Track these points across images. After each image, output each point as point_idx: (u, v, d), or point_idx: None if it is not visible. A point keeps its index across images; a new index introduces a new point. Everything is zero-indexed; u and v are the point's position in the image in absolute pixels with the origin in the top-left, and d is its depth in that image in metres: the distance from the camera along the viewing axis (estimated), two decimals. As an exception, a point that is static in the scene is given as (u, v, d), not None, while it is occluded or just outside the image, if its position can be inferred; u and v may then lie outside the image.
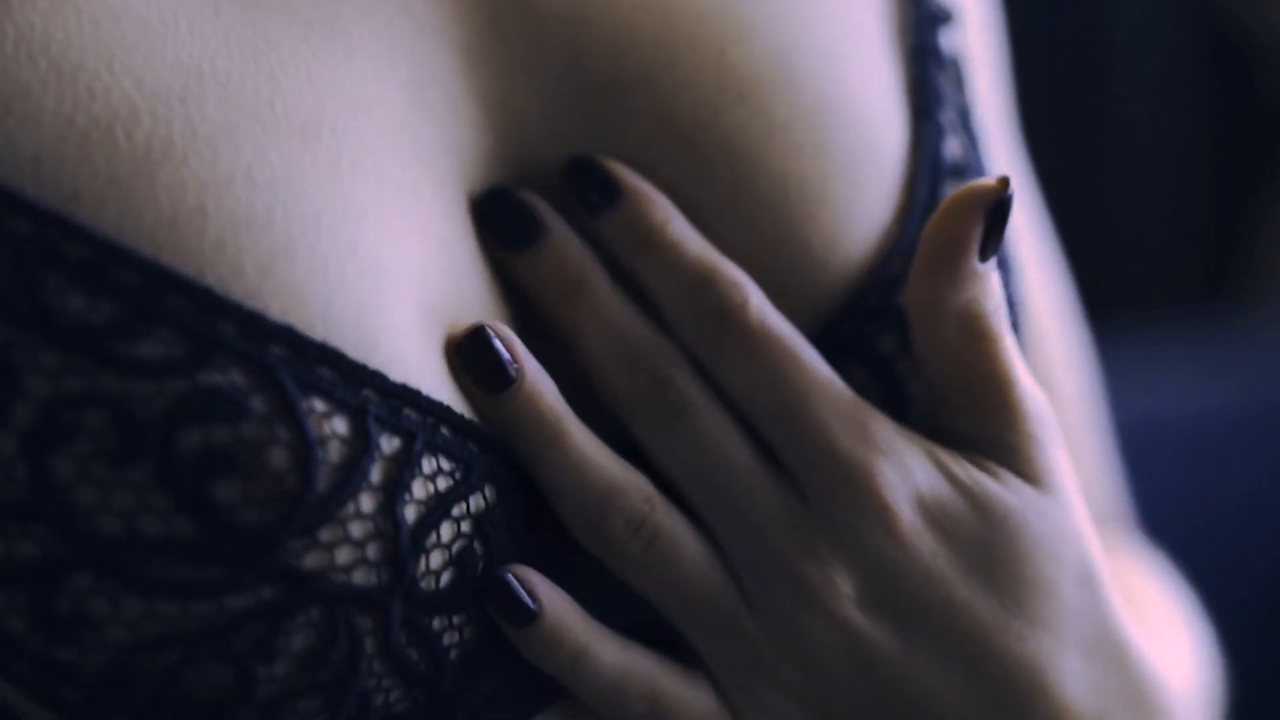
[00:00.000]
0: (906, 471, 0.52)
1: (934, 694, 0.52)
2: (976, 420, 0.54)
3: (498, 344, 0.51)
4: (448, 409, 0.50)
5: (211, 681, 0.46)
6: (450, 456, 0.49)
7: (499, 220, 0.53)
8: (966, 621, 0.52)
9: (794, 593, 0.52)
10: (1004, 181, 0.53)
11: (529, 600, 0.52)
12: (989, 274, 0.54)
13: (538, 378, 0.52)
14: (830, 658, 0.52)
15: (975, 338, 0.54)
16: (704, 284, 0.53)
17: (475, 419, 0.51)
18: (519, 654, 0.52)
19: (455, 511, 0.49)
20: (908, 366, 0.55)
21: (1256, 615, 1.83)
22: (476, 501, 0.50)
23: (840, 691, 0.52)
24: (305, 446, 0.46)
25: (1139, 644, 0.55)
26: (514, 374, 0.51)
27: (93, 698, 0.47)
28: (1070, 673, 0.53)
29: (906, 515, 0.52)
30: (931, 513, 0.53)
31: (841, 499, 0.52)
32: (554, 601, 0.52)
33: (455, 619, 0.50)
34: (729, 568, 0.53)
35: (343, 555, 0.47)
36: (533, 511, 0.53)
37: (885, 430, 0.53)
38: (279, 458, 0.46)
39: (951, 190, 0.55)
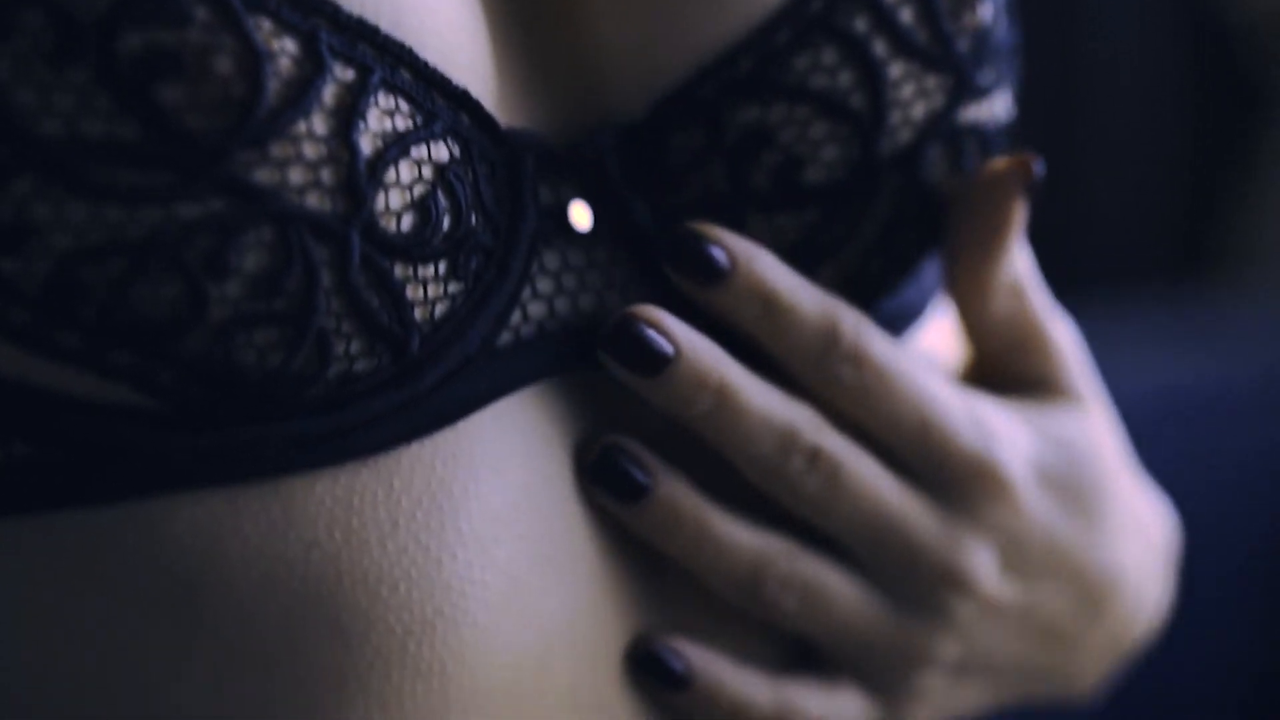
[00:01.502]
0: (1015, 445, 0.57)
1: (1053, 617, 0.59)
2: (1020, 363, 0.60)
3: (629, 461, 0.54)
4: (410, 52, 0.49)
5: (162, 296, 0.45)
6: (410, 100, 0.49)
7: (624, 355, 0.53)
8: (1070, 554, 0.59)
9: (946, 587, 0.56)
10: (1036, 158, 0.56)
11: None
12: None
13: (673, 492, 0.54)
14: (978, 629, 0.58)
15: (1019, 298, 0.59)
16: (833, 336, 0.54)
17: (441, 71, 0.50)
18: (486, 327, 0.51)
19: (415, 154, 0.48)
20: (885, 49, 0.55)
21: (1234, 589, 1.83)
22: (439, 151, 0.49)
23: (983, 650, 0.58)
24: (253, 55, 0.45)
25: (1152, 505, 0.64)
26: (648, 483, 0.53)
27: (40, 315, 0.46)
28: (1129, 555, 0.61)
29: (1027, 487, 0.57)
30: (1038, 473, 0.58)
31: (976, 492, 0.57)
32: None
33: (420, 272, 0.49)
34: (875, 585, 0.57)
35: (296, 175, 0.46)
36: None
37: (992, 413, 0.57)
38: (225, 64, 0.45)
39: None
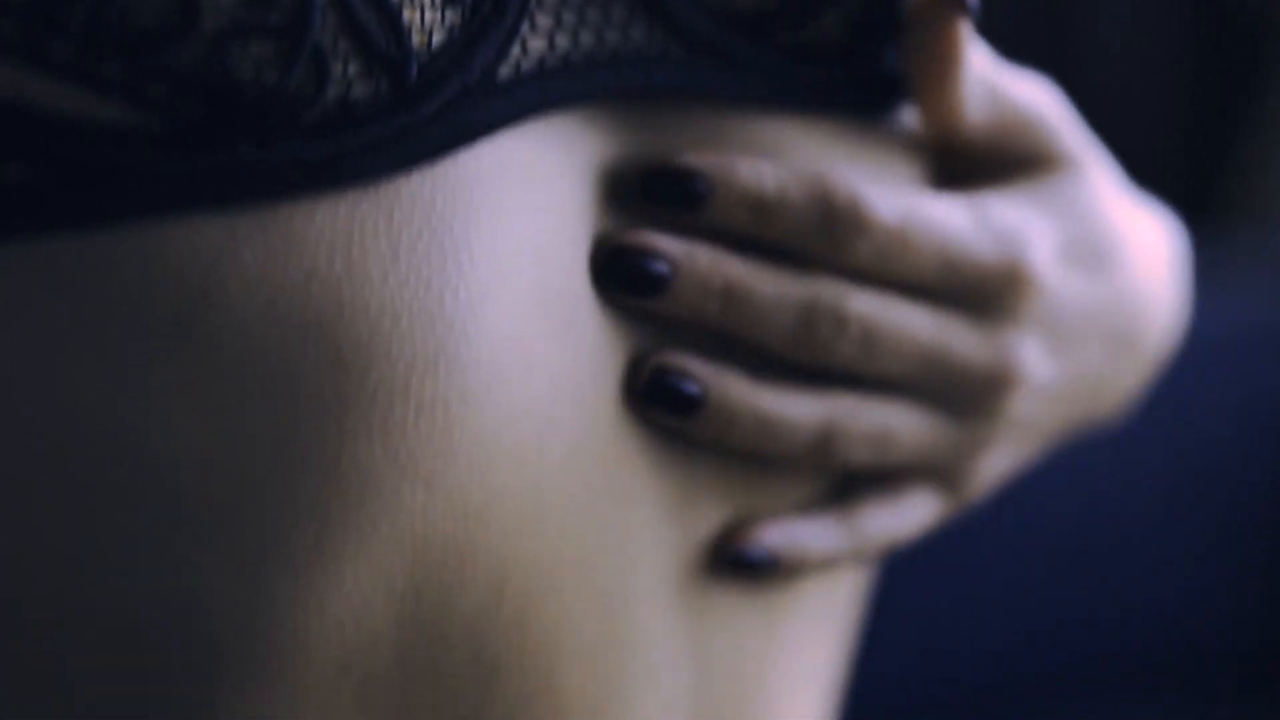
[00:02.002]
0: (1032, 236, 0.59)
1: (1097, 371, 0.62)
2: (1009, 147, 0.61)
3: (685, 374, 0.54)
4: None
5: (152, 3, 0.45)
6: None
7: (623, 284, 0.53)
8: (1102, 314, 0.61)
9: (1001, 390, 0.58)
10: None
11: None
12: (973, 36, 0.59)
13: (725, 393, 0.55)
14: (1033, 411, 0.60)
15: (990, 93, 0.60)
16: (831, 214, 0.54)
17: None
18: (486, 59, 0.50)
19: None
20: None
21: (1241, 531, 1.84)
22: None
23: (1036, 424, 0.61)
24: None
25: (1154, 223, 0.66)
26: (700, 394, 0.54)
27: (28, 24, 0.45)
28: (1148, 285, 0.64)
29: (1053, 272, 0.59)
30: (1059, 252, 0.60)
31: (1009, 296, 0.58)
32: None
33: None
34: (934, 409, 0.58)
35: None
36: None
37: (1002, 212, 0.58)
38: None
39: None
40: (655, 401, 0.54)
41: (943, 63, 0.57)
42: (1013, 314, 0.58)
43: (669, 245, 0.53)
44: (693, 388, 0.54)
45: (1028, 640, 1.77)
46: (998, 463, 0.61)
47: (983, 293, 0.57)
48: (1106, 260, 0.61)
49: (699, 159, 0.54)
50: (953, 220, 0.57)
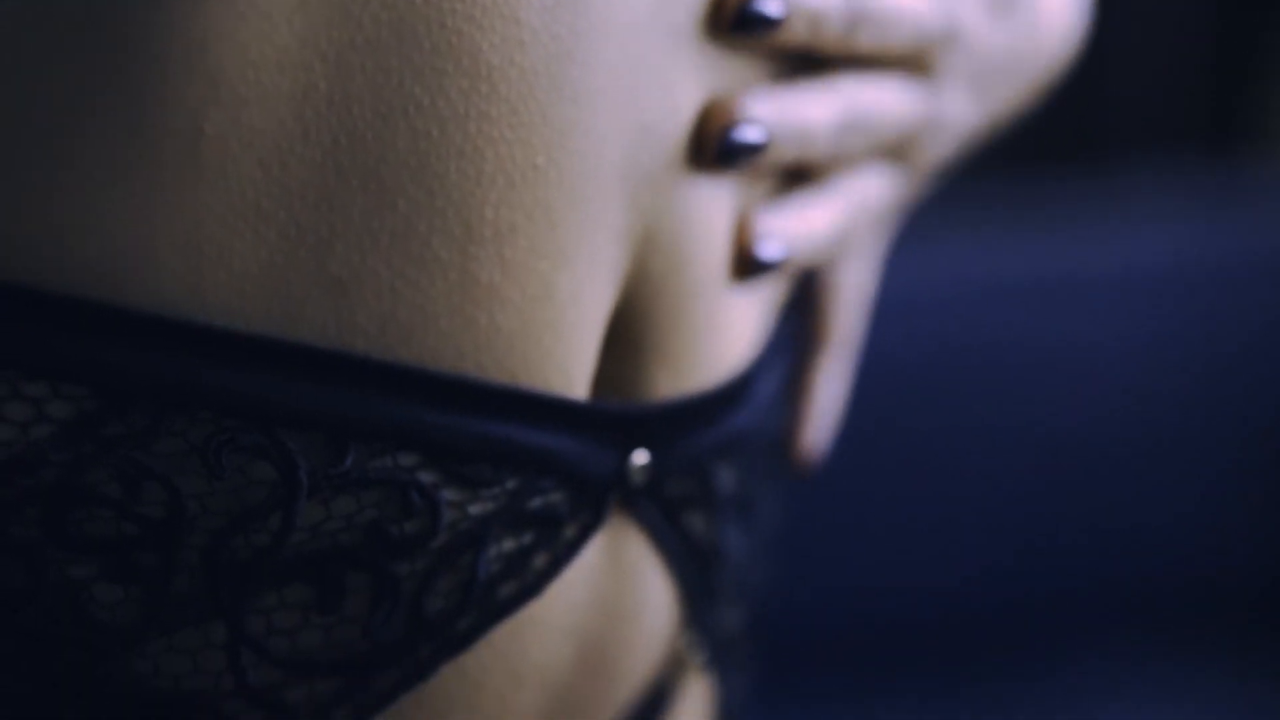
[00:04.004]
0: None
1: (1007, 61, 0.64)
2: None
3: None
4: None
5: None
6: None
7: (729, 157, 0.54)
8: (1015, 47, 0.64)
9: (948, 48, 0.61)
10: None
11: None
12: None
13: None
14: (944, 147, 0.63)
15: None
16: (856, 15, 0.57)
17: None
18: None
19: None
20: None
21: (1255, 459, 1.84)
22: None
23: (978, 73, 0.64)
24: None
25: None
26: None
27: None
28: (1049, 12, 0.66)
29: (981, 26, 0.62)
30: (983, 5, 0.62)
31: (944, 59, 0.61)
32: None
33: None
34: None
35: None
36: None
37: None
38: None
39: None
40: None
41: None
42: (946, 70, 0.61)
43: (755, 105, 0.54)
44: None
45: (1031, 566, 1.78)
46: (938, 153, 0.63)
47: (923, 56, 0.60)
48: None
49: None
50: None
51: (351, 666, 0.48)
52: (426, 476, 0.48)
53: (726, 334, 0.55)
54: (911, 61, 0.59)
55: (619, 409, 0.52)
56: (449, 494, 0.48)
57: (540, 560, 0.51)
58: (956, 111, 0.62)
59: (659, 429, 0.53)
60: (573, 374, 0.50)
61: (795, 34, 0.55)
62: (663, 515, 0.54)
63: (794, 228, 0.56)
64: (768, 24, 0.53)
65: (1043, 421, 1.78)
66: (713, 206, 0.53)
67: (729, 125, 0.53)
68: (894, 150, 0.61)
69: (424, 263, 0.47)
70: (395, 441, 0.47)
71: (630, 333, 0.52)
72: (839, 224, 0.59)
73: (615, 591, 0.54)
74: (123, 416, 0.45)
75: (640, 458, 0.52)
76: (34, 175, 0.44)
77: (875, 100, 0.58)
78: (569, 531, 0.51)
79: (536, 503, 0.50)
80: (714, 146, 0.52)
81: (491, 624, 0.50)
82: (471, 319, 0.48)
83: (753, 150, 0.53)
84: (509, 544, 0.50)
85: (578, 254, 0.49)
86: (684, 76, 0.52)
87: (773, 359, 0.59)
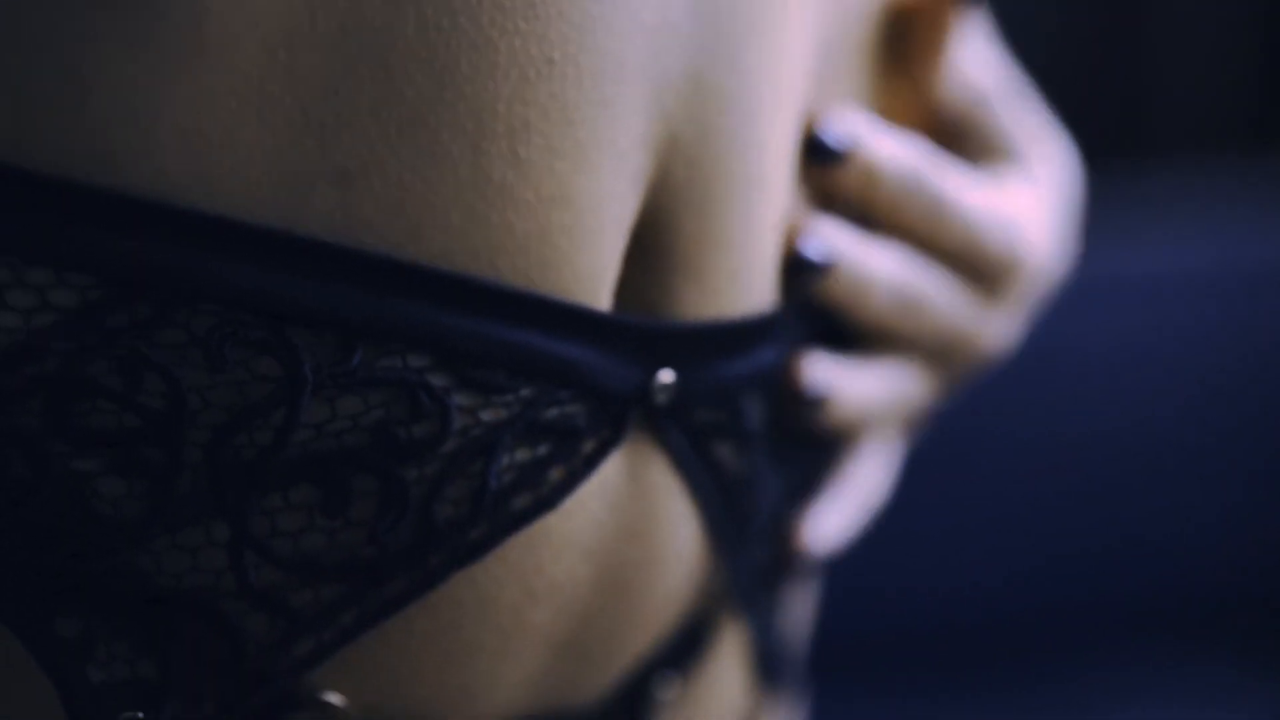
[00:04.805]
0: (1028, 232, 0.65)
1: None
2: (970, 134, 0.65)
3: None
4: None
5: None
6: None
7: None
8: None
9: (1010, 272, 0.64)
10: None
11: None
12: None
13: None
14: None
15: (967, 83, 0.64)
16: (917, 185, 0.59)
17: None
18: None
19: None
20: None
21: (1266, 472, 1.83)
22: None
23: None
24: None
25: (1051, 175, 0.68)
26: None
27: None
28: (1044, 241, 0.66)
29: (1046, 259, 0.65)
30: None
31: (1003, 284, 0.64)
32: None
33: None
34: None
35: None
36: None
37: (1004, 204, 0.62)
38: None
39: None
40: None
41: (934, 47, 0.61)
42: (1003, 294, 0.63)
43: (828, 234, 0.57)
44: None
45: (1048, 570, 1.77)
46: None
47: (983, 272, 0.62)
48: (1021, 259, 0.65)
49: (850, 125, 0.57)
50: (975, 203, 0.61)
51: (357, 572, 0.47)
52: (437, 379, 0.47)
53: (758, 257, 0.54)
54: (971, 269, 0.61)
55: (644, 323, 0.51)
56: (460, 399, 0.47)
57: (556, 473, 0.50)
58: (993, 335, 0.64)
59: (686, 349, 0.52)
60: (593, 283, 0.49)
61: (851, 178, 0.57)
62: (689, 442, 0.53)
63: (837, 380, 0.58)
64: (825, 154, 0.56)
65: (1073, 424, 1.77)
66: (741, 117, 0.52)
67: (797, 238, 0.55)
68: (934, 351, 0.62)
69: (433, 156, 0.46)
70: (405, 342, 0.46)
71: (656, 244, 0.51)
72: (874, 398, 0.60)
73: (637, 513, 0.53)
74: (127, 306, 0.44)
75: (666, 377, 0.51)
76: (34, 57, 0.43)
77: (934, 288, 0.60)
78: (587, 446, 0.50)
79: (553, 413, 0.49)
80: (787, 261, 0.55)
81: (504, 536, 0.49)
82: (483, 218, 0.46)
83: (811, 268, 0.56)
84: (523, 454, 0.49)
85: (598, 156, 0.48)
86: None
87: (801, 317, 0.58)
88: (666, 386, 0.51)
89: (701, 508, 0.54)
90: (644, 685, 0.56)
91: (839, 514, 0.62)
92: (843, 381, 0.58)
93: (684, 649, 0.57)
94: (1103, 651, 1.75)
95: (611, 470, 0.51)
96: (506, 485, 0.49)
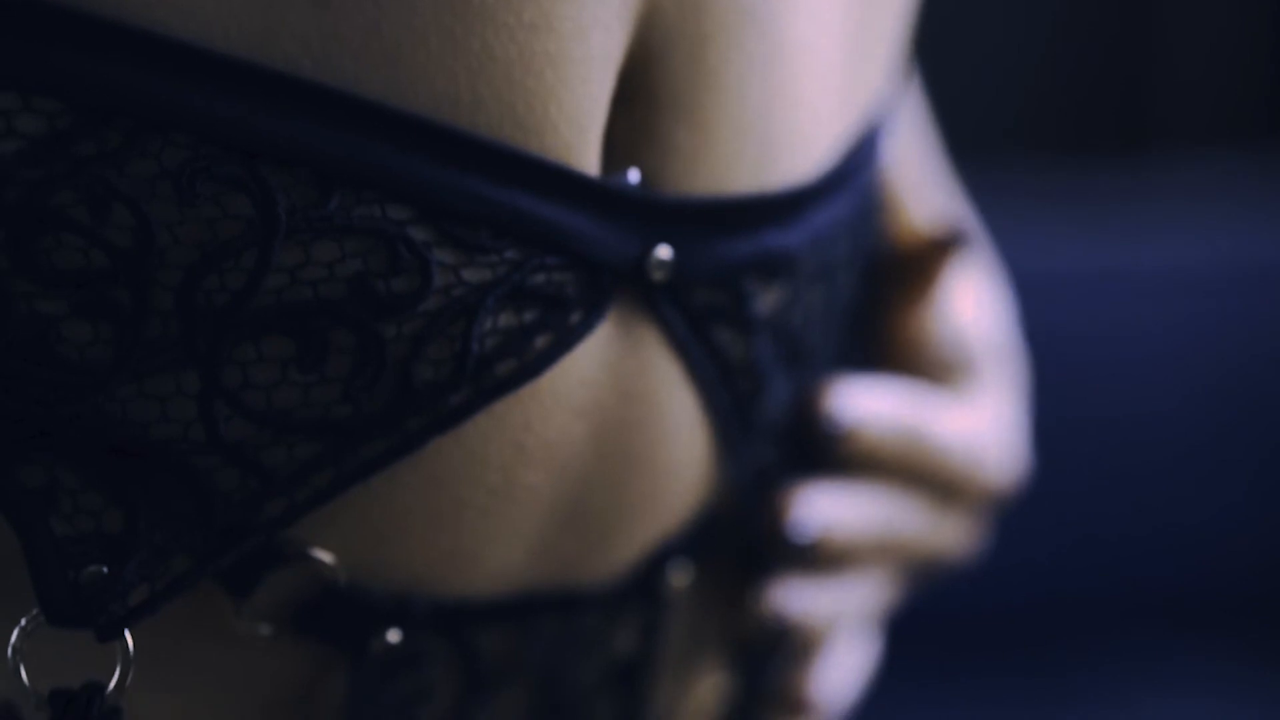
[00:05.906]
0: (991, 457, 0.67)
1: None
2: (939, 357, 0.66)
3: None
4: None
5: None
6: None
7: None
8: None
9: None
10: None
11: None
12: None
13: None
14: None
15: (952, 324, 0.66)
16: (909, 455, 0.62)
17: None
18: None
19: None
20: None
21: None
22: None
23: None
24: None
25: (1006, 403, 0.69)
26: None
27: None
28: (1002, 461, 0.68)
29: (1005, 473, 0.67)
30: None
31: (966, 502, 0.66)
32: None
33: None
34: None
35: None
36: None
37: (968, 428, 0.64)
38: None
39: None
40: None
41: (923, 288, 0.64)
42: (967, 508, 0.65)
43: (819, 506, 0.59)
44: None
45: (1059, 562, 1.77)
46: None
47: (950, 491, 0.64)
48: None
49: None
50: (947, 430, 0.63)
51: (332, 431, 0.46)
52: (418, 233, 0.45)
53: (776, 121, 0.51)
54: (941, 489, 0.63)
55: (641, 193, 0.49)
56: (442, 255, 0.45)
57: (542, 341, 0.48)
58: (955, 545, 0.66)
59: (687, 223, 0.50)
60: (581, 122, 0.47)
61: (851, 452, 0.59)
62: (687, 323, 0.51)
63: (798, 600, 0.59)
64: (828, 438, 0.59)
65: (1078, 416, 1.77)
66: None
67: (785, 519, 0.58)
68: (900, 567, 0.64)
69: None
70: (384, 191, 0.44)
71: (645, 81, 0.49)
72: (837, 607, 0.61)
73: (632, 379, 0.51)
74: (96, 134, 0.42)
75: (664, 253, 0.49)
76: None
77: (911, 522, 0.62)
78: (575, 315, 0.48)
79: (539, 279, 0.47)
80: (770, 537, 0.57)
81: (485, 402, 0.47)
82: (462, 42, 0.45)
83: (801, 552, 0.58)
84: (508, 319, 0.47)
85: None
86: None
87: (845, 198, 0.56)
88: (664, 263, 0.50)
89: (700, 391, 0.53)
90: (658, 570, 0.55)
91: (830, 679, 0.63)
92: (817, 601, 0.60)
93: (698, 539, 0.56)
94: (1108, 645, 1.75)
95: (604, 339, 0.50)
96: (489, 350, 0.47)
